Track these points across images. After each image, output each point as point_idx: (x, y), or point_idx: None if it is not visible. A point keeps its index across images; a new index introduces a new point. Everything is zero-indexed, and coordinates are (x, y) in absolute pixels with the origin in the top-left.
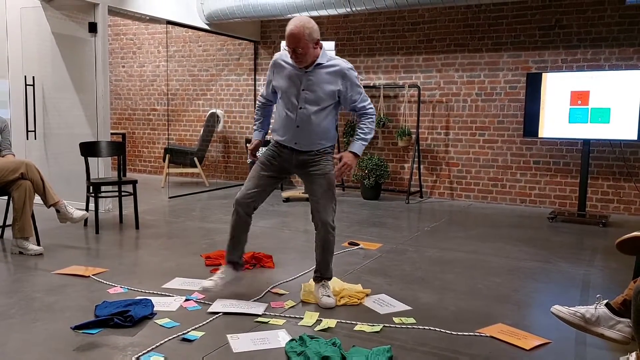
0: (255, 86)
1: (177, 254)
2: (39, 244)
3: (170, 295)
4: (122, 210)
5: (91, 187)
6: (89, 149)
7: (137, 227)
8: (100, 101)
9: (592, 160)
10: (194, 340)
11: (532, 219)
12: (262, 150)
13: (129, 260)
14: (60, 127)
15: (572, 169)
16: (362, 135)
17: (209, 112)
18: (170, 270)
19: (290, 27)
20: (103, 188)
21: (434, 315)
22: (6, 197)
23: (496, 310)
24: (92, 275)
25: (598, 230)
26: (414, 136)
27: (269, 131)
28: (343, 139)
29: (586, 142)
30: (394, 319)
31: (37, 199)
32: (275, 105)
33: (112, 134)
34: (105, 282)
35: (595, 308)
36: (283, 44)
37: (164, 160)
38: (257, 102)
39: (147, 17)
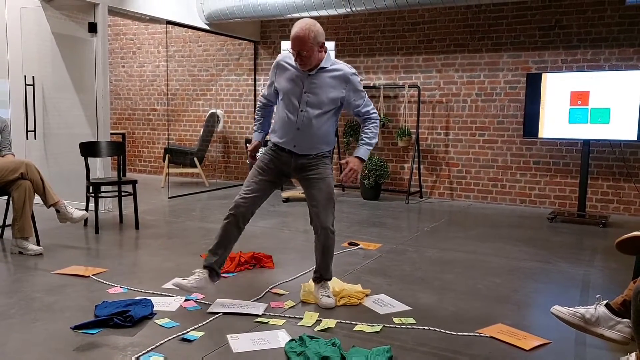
0: (255, 86)
1: (177, 254)
2: (38, 244)
3: (170, 296)
4: (122, 210)
5: (91, 187)
6: (88, 149)
7: (137, 227)
8: (100, 101)
9: (592, 160)
10: (193, 340)
11: (532, 219)
12: (262, 150)
13: (129, 260)
14: (60, 127)
15: (572, 169)
16: (367, 140)
17: (209, 112)
18: (170, 270)
19: (295, 29)
20: (103, 188)
21: (434, 316)
22: (6, 197)
23: (496, 310)
24: (92, 275)
25: (598, 231)
26: (413, 136)
27: (269, 132)
28: (343, 139)
29: (586, 143)
30: (394, 319)
31: (37, 199)
32: (275, 106)
33: (112, 134)
34: (105, 282)
35: (595, 308)
36: (283, 44)
37: (163, 161)
38: (258, 102)
39: (147, 17)
